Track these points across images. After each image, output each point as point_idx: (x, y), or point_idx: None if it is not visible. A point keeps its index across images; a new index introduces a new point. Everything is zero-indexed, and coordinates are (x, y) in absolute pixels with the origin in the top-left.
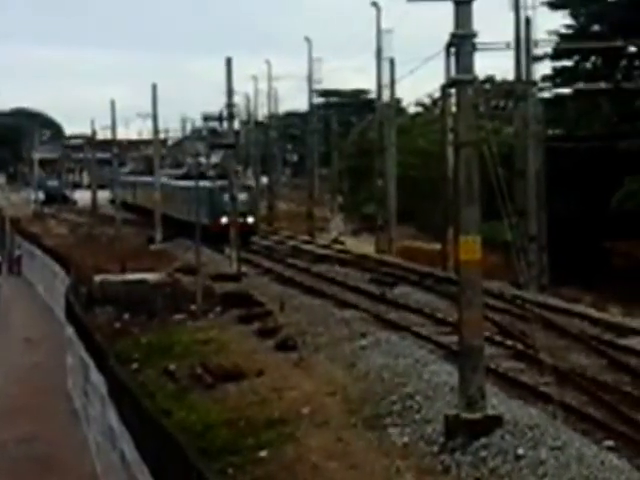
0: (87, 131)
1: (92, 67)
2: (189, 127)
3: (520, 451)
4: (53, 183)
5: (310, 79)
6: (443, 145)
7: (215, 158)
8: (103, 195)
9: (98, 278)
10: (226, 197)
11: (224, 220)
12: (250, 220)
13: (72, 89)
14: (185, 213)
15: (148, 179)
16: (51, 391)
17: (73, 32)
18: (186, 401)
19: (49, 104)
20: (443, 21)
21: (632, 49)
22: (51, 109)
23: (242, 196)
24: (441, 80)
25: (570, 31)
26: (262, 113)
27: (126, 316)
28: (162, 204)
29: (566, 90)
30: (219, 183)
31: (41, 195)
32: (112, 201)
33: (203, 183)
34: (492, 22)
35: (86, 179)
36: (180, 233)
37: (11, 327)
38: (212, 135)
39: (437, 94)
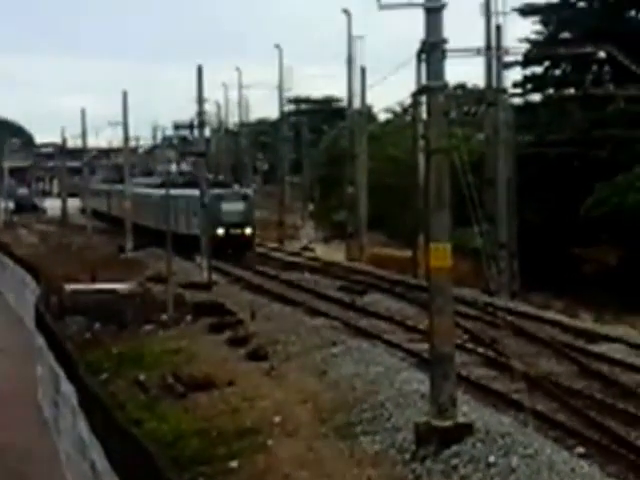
0: (58, 140)
1: (63, 76)
2: (160, 135)
3: (491, 459)
4: (23, 192)
5: (281, 87)
6: (414, 152)
7: (186, 166)
8: (73, 204)
9: (69, 287)
10: (224, 206)
11: (221, 232)
12: (248, 231)
13: (43, 98)
14: (159, 222)
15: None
16: (21, 401)
17: (43, 41)
18: (157, 411)
19: (19, 113)
20: (414, 28)
21: (602, 55)
22: (21, 118)
23: (239, 205)
24: (412, 87)
25: (540, 38)
26: (233, 121)
27: (97, 326)
28: (134, 213)
29: (536, 97)
30: (216, 191)
31: (11, 204)
32: (83, 210)
33: (193, 191)
34: (463, 29)
35: (56, 187)
36: (154, 242)
37: None
38: (183, 143)
39: (408, 101)
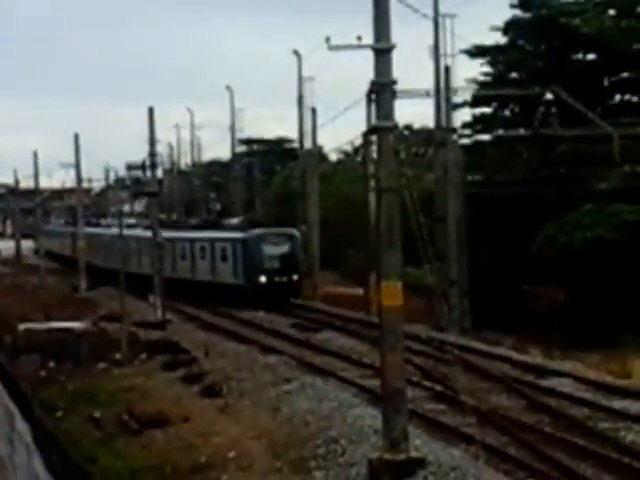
0: (9, 180)
1: (12, 116)
2: (113, 176)
3: None
4: None
5: (232, 127)
6: (365, 191)
7: (139, 207)
8: (27, 244)
9: (22, 327)
10: (266, 249)
11: (263, 279)
12: (295, 278)
13: None
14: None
15: (93, 229)
16: None
17: None
18: (112, 447)
19: None
20: (363, 68)
21: (549, 96)
22: None
23: (284, 248)
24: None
25: (489, 79)
26: (185, 161)
27: (51, 364)
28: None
29: (485, 137)
30: (256, 231)
31: None
32: (36, 251)
33: (228, 234)
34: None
35: (9, 228)
36: (112, 283)
37: None
38: (136, 184)
39: (359, 141)
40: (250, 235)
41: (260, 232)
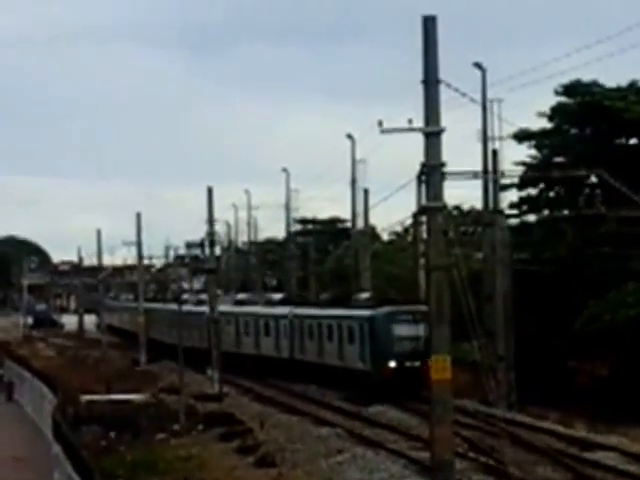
0: (73, 258)
1: (78, 197)
2: (172, 254)
3: None
4: (41, 308)
5: (288, 208)
6: (415, 270)
7: (197, 284)
8: (90, 319)
9: (84, 398)
10: (397, 329)
11: (392, 364)
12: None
13: (58, 218)
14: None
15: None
16: None
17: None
18: None
19: (36, 232)
20: (414, 150)
21: (593, 179)
22: (38, 237)
23: (417, 328)
24: (413, 207)
25: (535, 162)
26: (242, 240)
27: (112, 434)
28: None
29: (532, 217)
30: (385, 309)
31: (30, 319)
32: (98, 325)
33: (354, 311)
34: (461, 153)
35: (73, 303)
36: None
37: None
38: (194, 261)
39: (409, 221)
40: (378, 313)
41: (390, 310)
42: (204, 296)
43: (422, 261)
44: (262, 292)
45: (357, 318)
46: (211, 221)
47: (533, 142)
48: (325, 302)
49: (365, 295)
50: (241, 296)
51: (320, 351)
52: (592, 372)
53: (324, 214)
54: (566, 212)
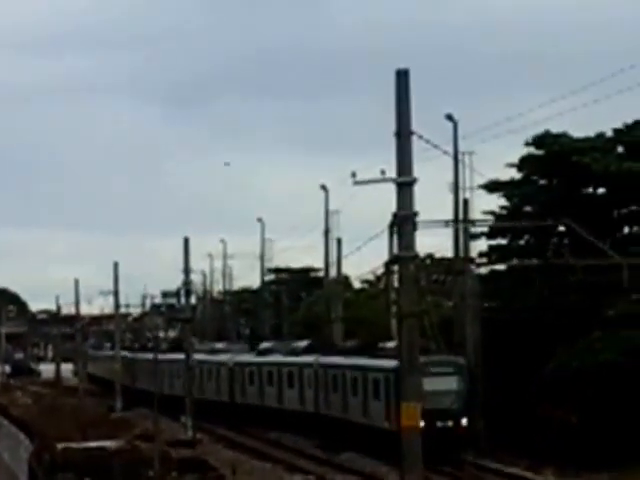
0: (51, 306)
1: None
2: (149, 303)
3: None
4: (19, 356)
5: (262, 257)
6: (387, 317)
7: (173, 332)
8: (66, 367)
9: (60, 446)
10: (429, 383)
11: (421, 424)
12: (463, 422)
13: (37, 267)
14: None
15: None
16: None
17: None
18: None
19: (15, 281)
20: (388, 201)
21: (561, 228)
22: (17, 286)
23: (449, 382)
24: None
25: (504, 211)
26: (218, 289)
27: None
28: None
29: (501, 266)
30: None
31: (7, 368)
32: (75, 373)
33: (377, 362)
34: (432, 202)
35: (51, 352)
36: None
37: None
38: (170, 310)
39: (381, 270)
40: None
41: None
42: (220, 345)
43: (394, 309)
44: (237, 341)
45: (381, 369)
46: (187, 271)
47: (503, 192)
48: (351, 350)
49: (391, 344)
50: (265, 345)
51: (344, 406)
52: (561, 419)
53: (297, 263)
54: (535, 261)
